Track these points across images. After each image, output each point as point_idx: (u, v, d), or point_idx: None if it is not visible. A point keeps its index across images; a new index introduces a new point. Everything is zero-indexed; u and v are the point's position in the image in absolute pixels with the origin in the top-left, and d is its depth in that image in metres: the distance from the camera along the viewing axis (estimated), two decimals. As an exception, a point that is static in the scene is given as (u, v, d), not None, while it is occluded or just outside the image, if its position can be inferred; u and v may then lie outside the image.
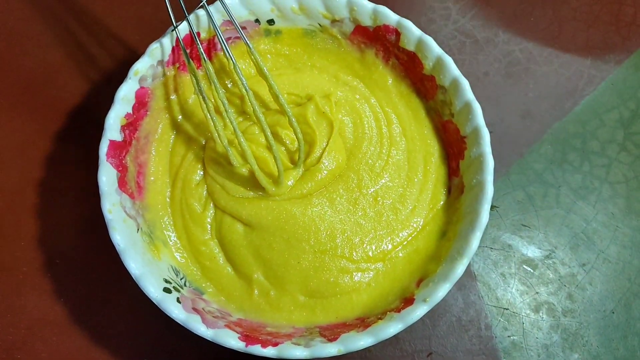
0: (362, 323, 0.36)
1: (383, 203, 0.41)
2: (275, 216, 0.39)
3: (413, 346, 0.40)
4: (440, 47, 0.40)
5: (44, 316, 0.41)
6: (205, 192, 0.40)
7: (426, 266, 0.38)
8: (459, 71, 0.39)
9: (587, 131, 0.47)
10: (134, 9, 0.49)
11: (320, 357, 0.34)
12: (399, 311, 0.35)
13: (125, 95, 0.38)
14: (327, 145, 0.40)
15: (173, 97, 0.42)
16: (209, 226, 0.40)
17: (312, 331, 0.37)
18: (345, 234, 0.39)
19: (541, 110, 0.47)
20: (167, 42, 0.39)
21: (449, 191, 0.41)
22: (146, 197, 0.40)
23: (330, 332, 0.36)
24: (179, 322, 0.34)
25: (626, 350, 0.41)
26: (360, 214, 0.40)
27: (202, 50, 0.40)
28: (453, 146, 0.41)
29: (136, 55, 0.39)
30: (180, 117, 0.42)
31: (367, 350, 0.35)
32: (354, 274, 0.39)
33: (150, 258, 0.37)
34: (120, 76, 0.38)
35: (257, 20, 0.42)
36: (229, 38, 0.43)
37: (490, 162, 0.37)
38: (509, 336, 0.41)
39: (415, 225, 0.40)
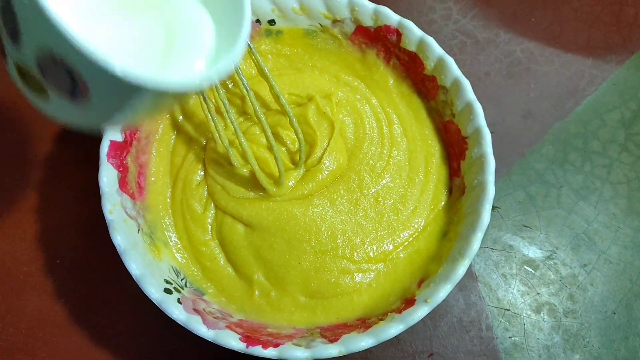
0: (363, 324, 0.36)
1: (384, 203, 0.40)
2: (276, 217, 0.39)
3: (414, 347, 0.40)
4: (441, 47, 0.40)
5: (44, 316, 0.41)
6: (205, 193, 0.40)
7: (427, 267, 0.38)
8: (460, 71, 0.39)
9: (588, 131, 0.46)
10: (135, 9, 0.49)
11: (321, 358, 0.34)
12: (400, 312, 0.35)
13: (126, 95, 0.38)
14: (328, 145, 0.40)
15: (174, 97, 0.42)
16: (210, 227, 0.40)
17: (313, 332, 0.37)
18: (346, 235, 0.39)
19: (542, 111, 0.47)
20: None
21: (450, 192, 0.41)
22: (147, 197, 0.40)
23: (331, 333, 0.36)
24: (179, 322, 0.34)
25: (627, 351, 0.41)
26: (361, 214, 0.40)
27: (202, 50, 0.40)
28: (454, 146, 0.41)
29: (137, 56, 0.39)
30: (180, 117, 0.42)
31: (368, 351, 0.35)
32: (355, 274, 0.39)
33: (151, 259, 0.37)
34: (120, 76, 0.38)
35: (258, 21, 0.42)
36: (230, 38, 0.43)
37: (491, 163, 0.37)
38: (510, 337, 0.41)
39: (416, 225, 0.40)
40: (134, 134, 0.39)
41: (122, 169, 0.38)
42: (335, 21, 0.42)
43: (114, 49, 0.22)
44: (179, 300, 0.35)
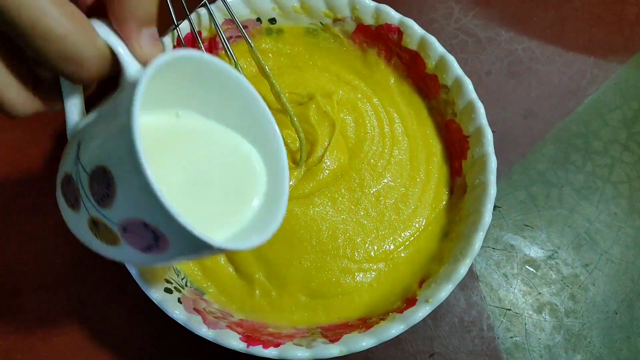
0: (364, 324, 0.36)
1: (385, 203, 0.40)
2: (277, 216, 0.39)
3: (415, 347, 0.40)
4: (443, 46, 0.40)
5: (44, 316, 0.41)
6: (206, 192, 0.40)
7: (428, 266, 0.38)
8: (461, 70, 0.39)
9: (589, 131, 0.46)
10: (135, 7, 0.49)
11: (322, 358, 0.33)
12: (401, 312, 0.35)
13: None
14: (329, 144, 0.40)
15: (174, 96, 0.42)
16: (210, 226, 0.40)
17: (313, 332, 0.37)
18: (347, 234, 0.39)
19: (544, 110, 0.47)
20: (168, 41, 0.39)
21: (451, 191, 0.41)
22: (147, 196, 0.40)
23: (332, 333, 0.36)
24: (179, 322, 0.34)
25: (629, 351, 0.41)
26: (362, 213, 0.40)
27: (203, 49, 0.40)
28: (455, 146, 0.41)
29: (137, 54, 0.39)
30: (181, 116, 0.42)
31: (369, 351, 0.35)
32: (356, 274, 0.39)
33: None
34: (121, 75, 0.38)
35: (258, 19, 0.42)
36: (231, 37, 0.42)
37: (493, 162, 0.37)
38: (511, 337, 0.41)
39: (417, 225, 0.40)
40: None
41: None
42: (336, 20, 0.42)
43: (193, 215, 0.23)
44: (179, 300, 0.35)
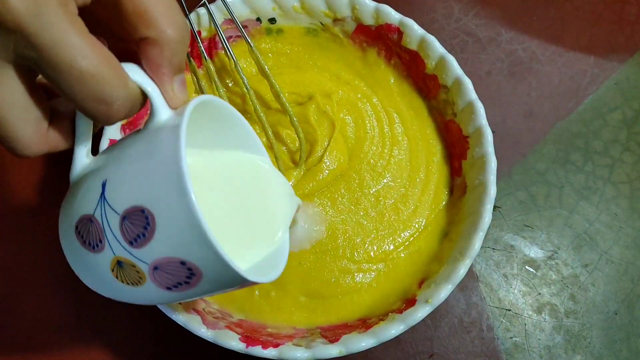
0: (364, 324, 0.36)
1: (385, 203, 0.40)
2: (276, 216, 0.39)
3: (415, 347, 0.40)
4: (443, 46, 0.40)
5: (44, 316, 0.41)
6: (205, 192, 0.40)
7: (428, 267, 0.38)
8: (461, 70, 0.39)
9: (590, 131, 0.46)
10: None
11: (321, 359, 0.33)
12: (400, 312, 0.35)
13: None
14: (328, 144, 0.40)
15: (173, 96, 0.42)
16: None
17: (313, 332, 0.36)
18: (347, 234, 0.39)
19: (544, 110, 0.47)
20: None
21: (451, 191, 0.41)
22: (146, 196, 0.40)
23: (332, 333, 0.36)
24: (179, 323, 0.34)
25: (629, 352, 0.41)
26: (361, 214, 0.40)
27: (203, 49, 0.40)
28: (455, 146, 0.41)
29: (136, 54, 0.39)
30: (180, 116, 0.42)
31: (368, 351, 0.35)
32: (356, 274, 0.39)
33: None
34: (120, 75, 0.38)
35: (258, 19, 0.42)
36: (230, 37, 0.42)
37: (492, 162, 0.37)
38: (511, 337, 0.41)
39: (417, 225, 0.40)
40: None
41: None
42: (336, 20, 0.42)
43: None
44: (178, 300, 0.35)
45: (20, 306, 0.41)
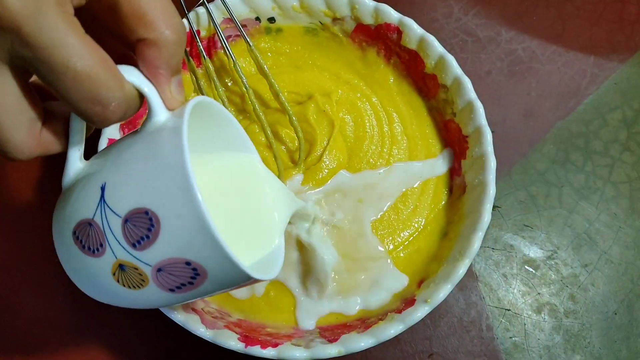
0: (363, 324, 0.36)
1: (384, 203, 0.40)
2: (276, 216, 0.39)
3: (414, 347, 0.40)
4: (442, 45, 0.40)
5: (44, 316, 0.41)
6: (204, 191, 0.40)
7: (427, 266, 0.38)
8: (461, 70, 0.39)
9: (590, 131, 0.46)
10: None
11: (320, 358, 0.33)
12: (400, 312, 0.35)
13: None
14: (327, 144, 0.40)
15: (173, 95, 0.42)
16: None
17: (312, 332, 0.36)
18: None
19: (544, 110, 0.47)
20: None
21: (450, 191, 0.41)
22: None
23: (331, 333, 0.36)
24: (178, 322, 0.34)
25: (629, 352, 0.41)
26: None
27: (202, 48, 0.40)
28: (455, 145, 0.41)
29: (135, 53, 0.39)
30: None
31: (367, 351, 0.35)
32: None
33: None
34: (119, 74, 0.38)
35: (257, 18, 0.42)
36: (229, 36, 0.42)
37: (492, 162, 0.37)
38: (510, 337, 0.41)
39: (416, 225, 0.40)
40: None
41: (121, 168, 0.38)
42: (335, 19, 0.42)
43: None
44: (177, 300, 0.35)
45: (18, 305, 0.41)
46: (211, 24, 0.40)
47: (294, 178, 0.40)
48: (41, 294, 0.41)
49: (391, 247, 0.39)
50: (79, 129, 0.25)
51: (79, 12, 0.21)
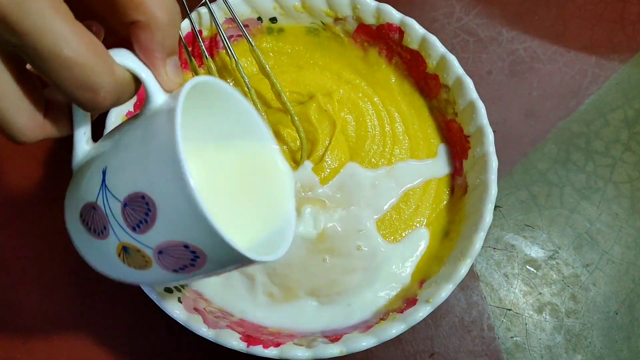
0: (364, 323, 0.36)
1: (386, 202, 0.40)
2: (277, 215, 0.39)
3: (415, 347, 0.40)
4: (444, 45, 0.40)
5: (44, 315, 0.41)
6: (206, 191, 0.40)
7: (429, 266, 0.38)
8: (462, 70, 0.39)
9: (591, 131, 0.46)
10: (136, 6, 0.49)
11: (322, 358, 0.33)
12: (401, 312, 0.35)
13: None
14: (329, 143, 0.40)
15: (174, 95, 0.42)
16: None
17: (314, 332, 0.36)
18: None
19: (545, 110, 0.47)
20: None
21: (452, 191, 0.41)
22: (147, 196, 0.40)
23: (332, 333, 0.36)
24: (180, 322, 0.34)
25: (630, 352, 0.41)
26: (362, 213, 0.40)
27: (204, 48, 0.40)
28: (456, 145, 0.41)
29: (137, 53, 0.39)
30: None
31: (369, 351, 0.35)
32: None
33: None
34: (121, 74, 0.38)
35: (259, 18, 0.42)
36: (231, 36, 0.42)
37: (494, 162, 0.37)
38: (511, 337, 0.41)
39: (418, 225, 0.40)
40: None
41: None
42: (337, 19, 0.42)
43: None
44: (179, 300, 0.35)
45: (20, 305, 0.41)
46: (213, 24, 0.40)
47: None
48: (42, 294, 0.41)
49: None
50: (82, 113, 0.25)
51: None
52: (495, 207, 0.37)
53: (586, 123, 0.46)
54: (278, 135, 0.41)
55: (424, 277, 0.38)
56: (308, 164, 0.40)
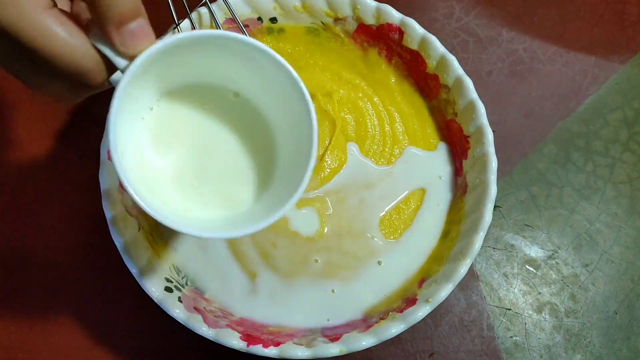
0: (364, 323, 0.36)
1: (385, 202, 0.40)
2: (278, 215, 0.39)
3: (415, 346, 0.40)
4: (444, 45, 0.40)
5: (45, 315, 0.41)
6: (207, 191, 0.40)
7: (429, 266, 0.38)
8: (462, 70, 0.39)
9: (590, 131, 0.46)
10: (136, 6, 0.49)
11: (322, 357, 0.33)
12: (401, 311, 0.35)
13: (127, 93, 0.38)
14: (329, 143, 0.40)
15: (175, 95, 0.42)
16: (211, 225, 0.40)
17: (314, 331, 0.37)
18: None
19: (545, 110, 0.47)
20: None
21: (452, 190, 0.41)
22: (148, 195, 0.40)
23: (332, 332, 0.36)
24: (180, 321, 0.34)
25: (629, 351, 0.41)
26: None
27: (204, 48, 0.40)
28: (456, 145, 0.41)
29: (138, 53, 0.39)
30: (182, 115, 0.42)
31: (369, 350, 0.35)
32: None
33: (152, 257, 0.37)
34: (121, 74, 0.38)
35: (259, 18, 0.42)
36: (231, 36, 0.42)
37: (493, 162, 0.37)
38: (511, 337, 0.41)
39: (418, 224, 0.40)
40: (135, 132, 0.39)
41: (123, 167, 0.38)
42: (337, 19, 0.42)
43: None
44: (179, 299, 0.35)
45: (20, 304, 0.41)
46: (213, 24, 0.41)
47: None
48: (43, 294, 0.41)
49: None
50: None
51: None
52: (495, 207, 0.37)
53: (586, 123, 0.47)
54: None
55: (423, 276, 0.38)
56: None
